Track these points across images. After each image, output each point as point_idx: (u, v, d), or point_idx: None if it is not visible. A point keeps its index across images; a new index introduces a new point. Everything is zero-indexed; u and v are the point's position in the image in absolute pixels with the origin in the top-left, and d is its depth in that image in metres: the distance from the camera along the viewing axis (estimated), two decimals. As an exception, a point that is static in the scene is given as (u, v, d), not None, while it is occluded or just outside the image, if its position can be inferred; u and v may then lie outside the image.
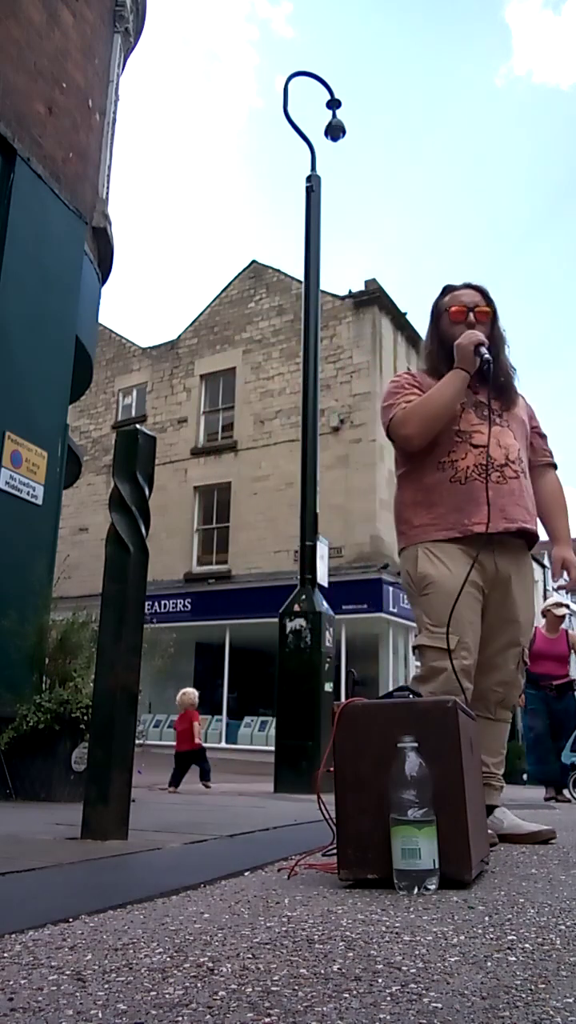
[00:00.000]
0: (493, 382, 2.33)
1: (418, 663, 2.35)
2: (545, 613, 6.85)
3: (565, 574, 2.43)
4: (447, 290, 2.52)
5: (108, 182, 7.07)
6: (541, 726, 6.70)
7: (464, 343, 2.29)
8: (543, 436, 2.61)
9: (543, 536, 2.56)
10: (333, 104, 8.25)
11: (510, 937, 1.15)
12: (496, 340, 2.42)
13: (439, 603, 2.22)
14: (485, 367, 2.27)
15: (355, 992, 0.87)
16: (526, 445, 2.48)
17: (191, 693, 8.01)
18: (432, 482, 2.35)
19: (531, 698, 6.84)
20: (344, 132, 8.24)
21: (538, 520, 2.47)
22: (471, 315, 2.41)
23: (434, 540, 2.30)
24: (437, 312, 2.49)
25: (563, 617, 6.74)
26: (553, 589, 6.98)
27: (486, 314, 2.43)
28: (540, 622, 6.88)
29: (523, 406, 2.54)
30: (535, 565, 29.55)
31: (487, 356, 2.27)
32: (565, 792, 6.65)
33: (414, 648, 2.36)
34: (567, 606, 6.82)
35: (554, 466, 2.63)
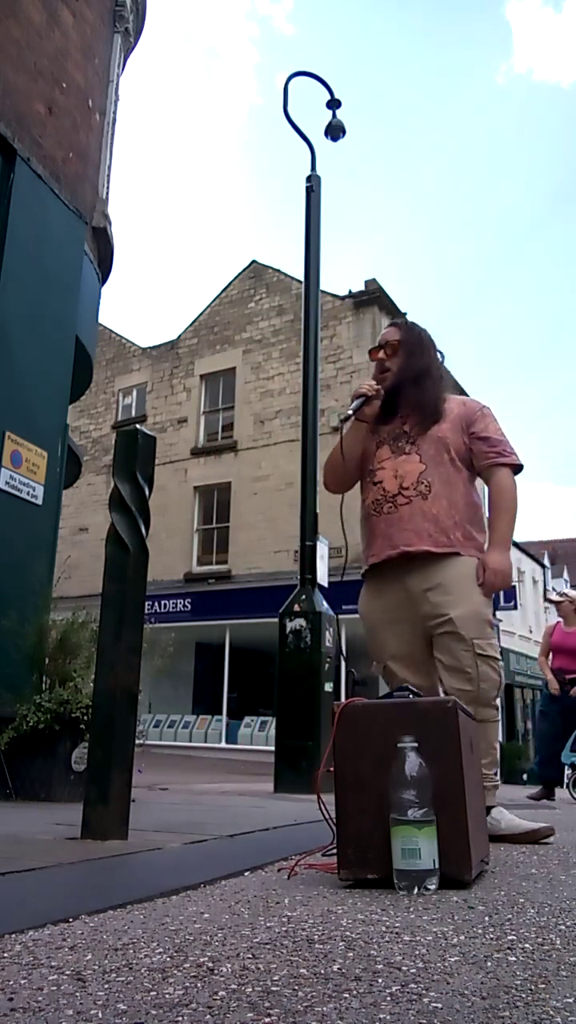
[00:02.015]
0: (408, 408, 2.54)
1: None
2: (557, 606, 6.84)
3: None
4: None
5: (108, 182, 7.07)
6: (548, 728, 6.65)
7: (353, 394, 2.52)
8: (484, 439, 2.54)
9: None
10: (333, 104, 8.24)
11: (510, 937, 1.15)
12: (408, 368, 2.56)
13: (365, 634, 2.58)
14: (339, 424, 2.54)
15: (355, 992, 0.87)
16: (453, 459, 2.50)
17: None
18: (361, 521, 2.61)
19: (545, 698, 6.79)
20: (344, 132, 8.23)
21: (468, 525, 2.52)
22: (381, 352, 2.61)
23: (366, 575, 2.57)
24: None
25: (565, 608, 6.69)
26: (550, 591, 6.99)
27: (394, 348, 2.60)
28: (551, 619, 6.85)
29: (457, 417, 2.55)
30: (535, 565, 29.57)
31: (348, 412, 2.47)
32: (557, 791, 6.63)
33: None
34: (565, 595, 6.78)
35: (503, 465, 2.54)
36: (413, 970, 0.96)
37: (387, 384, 2.54)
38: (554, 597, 6.90)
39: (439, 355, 2.67)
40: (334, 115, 8.25)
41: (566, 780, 6.79)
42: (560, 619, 6.76)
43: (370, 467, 2.53)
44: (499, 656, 2.45)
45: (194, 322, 19.39)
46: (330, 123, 8.23)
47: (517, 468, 2.56)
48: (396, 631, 2.48)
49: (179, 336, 19.60)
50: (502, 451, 2.55)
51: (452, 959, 1.02)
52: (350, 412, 2.46)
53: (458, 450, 2.53)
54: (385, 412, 2.55)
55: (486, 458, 2.55)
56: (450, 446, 2.51)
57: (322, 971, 0.95)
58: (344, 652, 8.11)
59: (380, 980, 0.91)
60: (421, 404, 2.52)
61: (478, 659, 2.38)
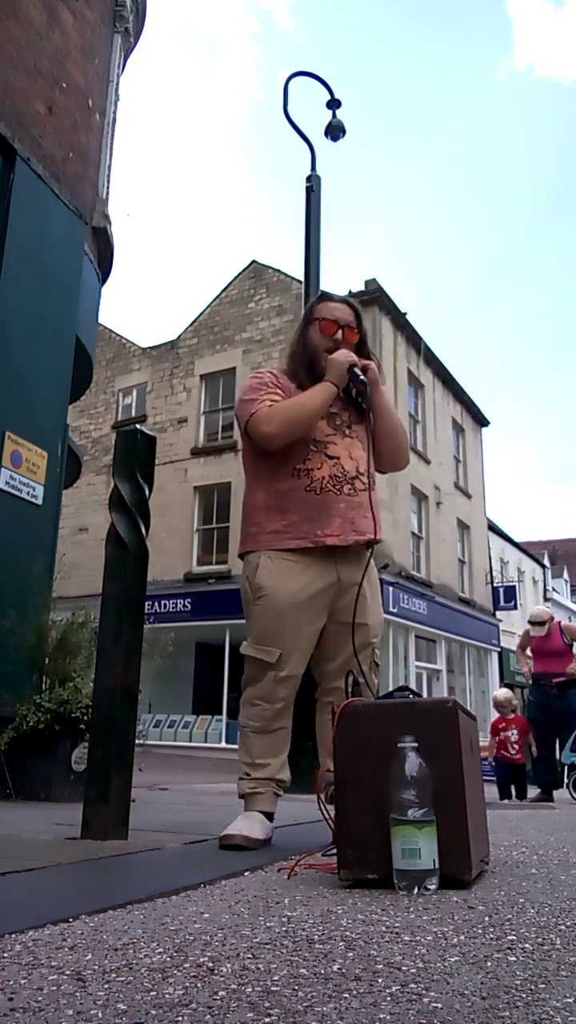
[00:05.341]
0: (350, 399, 2.38)
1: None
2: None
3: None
4: (323, 297, 2.53)
5: (108, 182, 7.07)
6: (537, 735, 6.70)
7: (339, 359, 2.30)
8: None
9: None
10: (333, 104, 8.24)
11: (510, 937, 1.15)
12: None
13: (266, 617, 2.26)
14: (358, 387, 2.31)
15: (355, 992, 0.87)
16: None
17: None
18: (286, 488, 2.32)
19: (531, 705, 6.83)
20: (344, 132, 8.23)
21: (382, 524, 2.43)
22: (340, 332, 2.41)
23: (281, 549, 2.29)
24: (309, 318, 2.49)
25: (544, 631, 6.70)
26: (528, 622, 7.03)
27: (354, 335, 2.43)
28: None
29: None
30: (536, 566, 29.58)
31: (361, 377, 2.30)
32: (558, 791, 6.66)
33: (242, 653, 2.35)
34: (540, 623, 6.78)
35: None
36: (413, 970, 0.96)
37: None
38: (536, 631, 6.86)
39: None
40: (334, 115, 8.25)
41: (566, 780, 6.81)
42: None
43: (314, 437, 2.33)
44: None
45: (194, 322, 19.39)
46: (330, 123, 8.23)
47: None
48: (307, 620, 2.27)
49: (179, 336, 19.60)
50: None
51: (452, 959, 1.02)
52: (363, 379, 2.29)
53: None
54: None
55: None
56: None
57: (322, 971, 0.95)
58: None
59: (380, 980, 0.91)
60: (363, 405, 2.42)
61: (373, 667, 2.33)
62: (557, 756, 6.84)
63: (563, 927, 1.23)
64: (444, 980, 0.92)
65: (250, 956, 1.02)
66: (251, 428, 2.31)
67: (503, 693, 8.02)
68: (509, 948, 1.08)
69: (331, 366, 2.30)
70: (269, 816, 2.29)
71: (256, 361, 17.81)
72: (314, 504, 2.28)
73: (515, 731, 7.45)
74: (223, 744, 15.56)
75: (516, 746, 7.40)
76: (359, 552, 2.32)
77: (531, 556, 29.13)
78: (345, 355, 2.32)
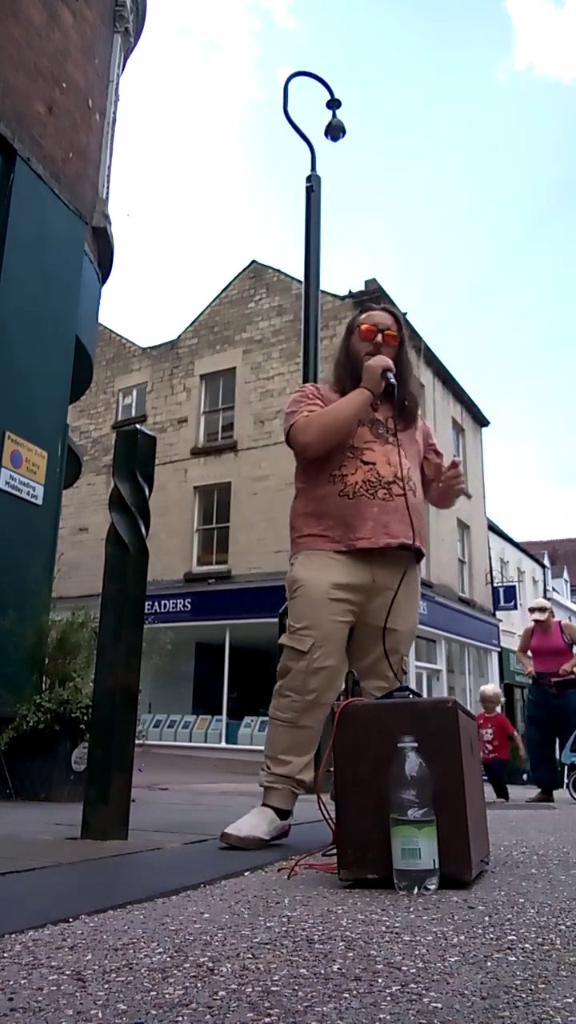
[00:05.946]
0: (395, 405, 2.44)
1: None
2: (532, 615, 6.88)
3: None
4: (364, 309, 2.64)
5: (108, 182, 7.07)
6: (536, 734, 6.69)
7: (373, 365, 2.38)
8: (439, 453, 2.65)
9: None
10: (333, 104, 8.23)
11: (510, 937, 1.15)
12: (401, 365, 2.49)
13: (301, 607, 2.31)
14: (391, 389, 2.38)
15: (355, 992, 0.87)
16: (418, 464, 2.54)
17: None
18: (322, 494, 2.40)
19: (531, 704, 6.82)
20: (344, 132, 8.22)
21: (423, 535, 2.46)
22: (380, 336, 2.49)
23: (318, 550, 2.37)
24: (350, 328, 2.59)
25: (544, 618, 6.70)
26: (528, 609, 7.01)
27: (394, 338, 2.51)
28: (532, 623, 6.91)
29: (420, 428, 2.61)
30: (536, 566, 29.58)
31: (393, 380, 2.37)
32: (558, 791, 6.65)
33: (279, 645, 2.37)
34: (541, 609, 6.77)
35: None
36: (413, 970, 0.96)
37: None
38: (537, 616, 6.86)
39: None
40: (334, 115, 8.23)
41: (566, 780, 6.81)
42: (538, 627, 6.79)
43: (351, 443, 2.39)
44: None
45: (194, 322, 19.39)
46: (330, 123, 8.22)
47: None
48: (338, 613, 2.29)
49: (179, 336, 19.59)
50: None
51: (452, 959, 1.02)
52: (394, 382, 2.36)
53: (420, 459, 2.56)
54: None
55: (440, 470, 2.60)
56: (418, 452, 2.54)
57: (322, 971, 0.95)
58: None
59: (380, 980, 0.91)
60: (411, 403, 2.51)
61: (400, 673, 2.36)
62: (557, 756, 6.83)
63: (563, 927, 1.23)
64: (444, 980, 0.92)
65: (250, 956, 1.02)
66: (291, 439, 2.44)
67: (492, 689, 7.98)
68: (509, 948, 1.08)
69: (366, 372, 2.39)
70: (285, 813, 2.27)
71: (256, 361, 17.81)
72: (348, 508, 2.34)
73: (490, 730, 7.45)
74: (223, 744, 15.55)
75: (490, 745, 7.40)
76: (397, 557, 2.34)
77: (531, 556, 29.13)
78: (379, 360, 2.39)
